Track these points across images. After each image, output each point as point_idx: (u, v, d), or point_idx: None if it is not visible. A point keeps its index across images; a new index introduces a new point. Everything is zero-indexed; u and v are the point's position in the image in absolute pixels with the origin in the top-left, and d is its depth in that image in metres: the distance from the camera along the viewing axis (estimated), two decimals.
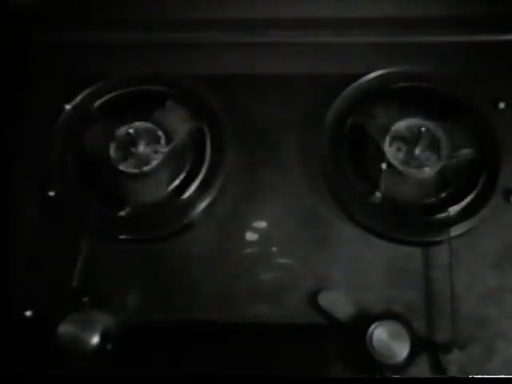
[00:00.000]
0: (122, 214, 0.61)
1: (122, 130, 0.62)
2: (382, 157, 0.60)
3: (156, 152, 0.62)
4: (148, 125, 0.62)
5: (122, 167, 0.61)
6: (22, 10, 0.73)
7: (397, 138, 0.61)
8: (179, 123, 0.64)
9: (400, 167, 0.60)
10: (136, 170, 0.61)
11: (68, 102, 0.66)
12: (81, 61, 0.70)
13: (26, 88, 0.69)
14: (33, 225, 0.62)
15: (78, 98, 0.66)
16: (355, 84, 0.65)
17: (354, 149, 0.63)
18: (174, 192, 0.62)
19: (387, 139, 0.61)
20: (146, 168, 0.61)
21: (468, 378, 0.54)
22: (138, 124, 0.62)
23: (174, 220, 0.61)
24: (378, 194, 0.60)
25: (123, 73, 0.68)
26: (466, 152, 0.61)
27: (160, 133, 0.62)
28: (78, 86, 0.67)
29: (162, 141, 0.62)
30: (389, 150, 0.60)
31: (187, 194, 0.62)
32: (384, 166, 0.60)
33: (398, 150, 0.61)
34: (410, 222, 0.60)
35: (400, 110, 0.62)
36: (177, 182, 0.62)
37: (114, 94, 0.66)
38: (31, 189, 0.64)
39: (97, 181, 0.63)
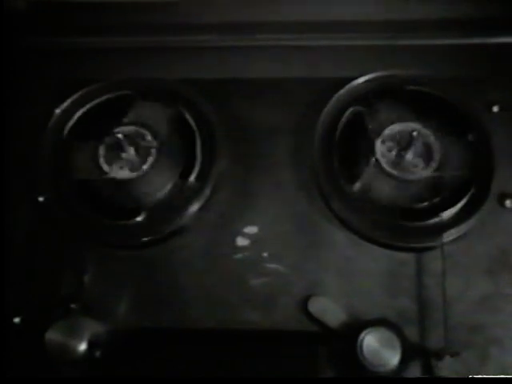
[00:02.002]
0: (112, 220, 0.61)
1: (109, 137, 0.61)
2: (371, 160, 0.60)
3: (146, 155, 0.61)
4: (133, 128, 0.62)
5: (111, 173, 0.60)
6: (17, 13, 0.73)
7: (389, 141, 0.60)
8: (159, 119, 0.63)
9: (391, 171, 0.59)
10: (125, 176, 0.60)
11: (57, 106, 0.65)
12: (70, 65, 0.70)
13: (20, 92, 0.69)
14: (22, 231, 0.62)
15: (67, 103, 0.65)
16: (347, 87, 0.64)
17: (345, 153, 0.62)
18: (165, 197, 0.61)
19: (379, 143, 0.60)
20: (135, 173, 0.61)
21: (465, 378, 0.53)
22: (123, 128, 0.62)
23: (164, 225, 0.60)
24: (357, 185, 0.59)
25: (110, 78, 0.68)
26: (458, 155, 0.60)
27: (146, 132, 0.62)
28: (68, 90, 0.67)
29: (149, 137, 0.62)
30: (381, 154, 0.60)
31: (178, 199, 0.61)
32: (373, 160, 0.59)
33: (390, 153, 0.60)
34: (402, 227, 0.59)
35: (392, 113, 0.62)
36: (167, 187, 0.62)
37: (97, 100, 0.66)
38: (20, 194, 0.63)
39: (87, 186, 0.62)
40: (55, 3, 0.74)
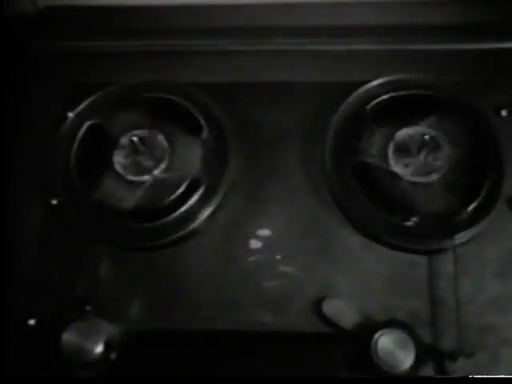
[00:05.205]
0: (128, 222, 0.61)
1: (125, 138, 0.62)
2: (383, 164, 0.61)
3: (160, 159, 0.62)
4: (152, 133, 0.63)
5: (126, 175, 0.61)
6: (26, 18, 0.74)
7: (399, 145, 0.61)
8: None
9: (403, 175, 0.60)
10: (139, 178, 0.61)
11: (71, 110, 0.66)
12: (83, 69, 0.71)
13: (30, 95, 0.70)
14: (36, 233, 0.62)
15: (81, 107, 0.66)
16: (358, 92, 0.65)
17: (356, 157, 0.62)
18: (178, 199, 0.62)
19: (390, 147, 0.61)
20: (148, 176, 0.61)
21: (476, 378, 0.54)
22: (141, 132, 0.63)
23: (178, 228, 0.61)
24: (414, 219, 0.59)
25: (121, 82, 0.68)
26: (468, 160, 0.61)
27: (165, 143, 0.63)
28: (81, 94, 0.67)
29: (164, 142, 0.63)
30: (392, 157, 0.61)
31: (191, 202, 0.61)
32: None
33: (401, 158, 0.61)
34: (414, 229, 0.59)
35: (402, 117, 0.62)
36: (181, 190, 0.62)
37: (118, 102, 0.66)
38: (34, 197, 0.64)
39: (102, 188, 0.62)
40: (64, 7, 0.75)
